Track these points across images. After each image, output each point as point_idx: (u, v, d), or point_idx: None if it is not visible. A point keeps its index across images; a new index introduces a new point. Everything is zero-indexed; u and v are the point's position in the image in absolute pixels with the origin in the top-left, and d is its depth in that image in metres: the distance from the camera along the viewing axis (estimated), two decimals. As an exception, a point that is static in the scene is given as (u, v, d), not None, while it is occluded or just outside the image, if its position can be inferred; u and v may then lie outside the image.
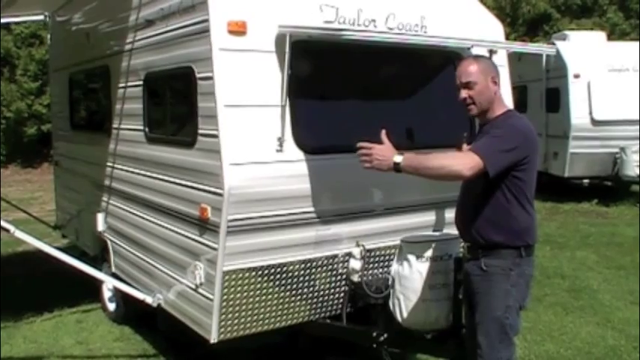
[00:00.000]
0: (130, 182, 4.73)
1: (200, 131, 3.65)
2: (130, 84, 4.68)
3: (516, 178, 2.98)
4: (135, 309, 4.89)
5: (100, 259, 5.56)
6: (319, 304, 3.94)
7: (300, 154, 3.65)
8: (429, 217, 4.15)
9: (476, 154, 2.88)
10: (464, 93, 3.08)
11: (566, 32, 13.32)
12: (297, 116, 3.62)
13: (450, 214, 3.54)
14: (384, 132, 3.09)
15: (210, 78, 3.46)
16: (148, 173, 4.39)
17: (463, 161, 2.91)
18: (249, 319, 3.71)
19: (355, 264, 3.84)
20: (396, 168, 2.97)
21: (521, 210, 3.02)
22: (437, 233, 4.05)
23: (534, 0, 20.77)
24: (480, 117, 3.16)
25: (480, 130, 3.24)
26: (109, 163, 5.15)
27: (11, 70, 17.92)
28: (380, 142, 3.05)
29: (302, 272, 3.81)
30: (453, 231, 3.40)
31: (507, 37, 5.40)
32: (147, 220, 4.46)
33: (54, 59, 7.32)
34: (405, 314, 3.61)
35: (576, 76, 11.14)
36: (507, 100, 4.24)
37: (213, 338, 3.65)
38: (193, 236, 3.79)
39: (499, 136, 2.97)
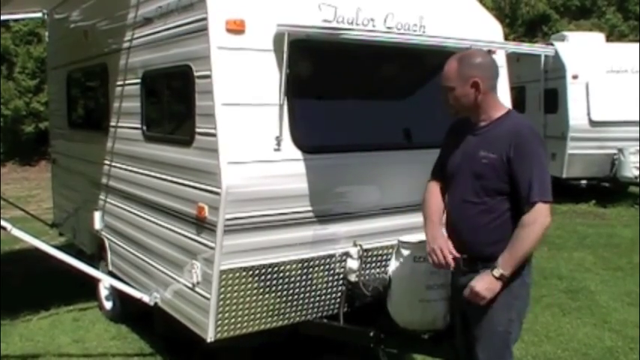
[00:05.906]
0: (128, 181, 4.72)
1: (198, 130, 3.65)
2: (127, 82, 4.67)
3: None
4: (132, 308, 4.88)
5: (97, 257, 5.54)
6: (316, 304, 3.94)
7: (297, 154, 3.64)
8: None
9: (539, 200, 2.74)
10: (443, 96, 2.97)
11: (565, 33, 13.32)
12: (295, 115, 3.62)
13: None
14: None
15: (208, 76, 3.46)
16: (146, 172, 4.39)
17: (542, 219, 2.75)
18: (245, 318, 3.70)
19: (352, 264, 3.83)
20: (504, 279, 2.81)
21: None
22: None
23: (533, 1, 20.80)
24: (472, 117, 2.97)
25: (477, 129, 2.95)
26: (106, 162, 5.14)
27: (9, 67, 17.88)
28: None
29: (299, 272, 3.81)
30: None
31: (506, 38, 5.39)
32: (144, 218, 4.45)
33: (52, 57, 7.30)
34: (402, 314, 3.60)
35: (575, 77, 11.14)
36: (506, 101, 4.25)
37: (210, 337, 3.65)
38: (190, 235, 3.79)
39: (540, 158, 2.80)
